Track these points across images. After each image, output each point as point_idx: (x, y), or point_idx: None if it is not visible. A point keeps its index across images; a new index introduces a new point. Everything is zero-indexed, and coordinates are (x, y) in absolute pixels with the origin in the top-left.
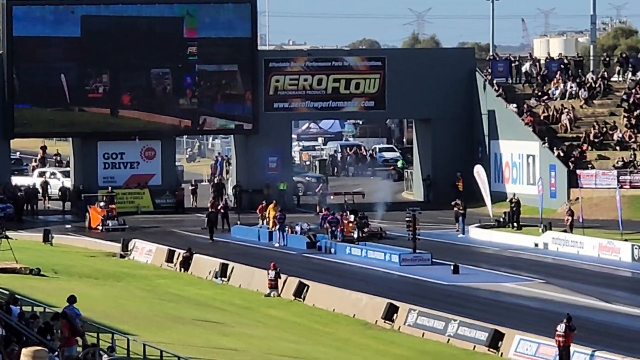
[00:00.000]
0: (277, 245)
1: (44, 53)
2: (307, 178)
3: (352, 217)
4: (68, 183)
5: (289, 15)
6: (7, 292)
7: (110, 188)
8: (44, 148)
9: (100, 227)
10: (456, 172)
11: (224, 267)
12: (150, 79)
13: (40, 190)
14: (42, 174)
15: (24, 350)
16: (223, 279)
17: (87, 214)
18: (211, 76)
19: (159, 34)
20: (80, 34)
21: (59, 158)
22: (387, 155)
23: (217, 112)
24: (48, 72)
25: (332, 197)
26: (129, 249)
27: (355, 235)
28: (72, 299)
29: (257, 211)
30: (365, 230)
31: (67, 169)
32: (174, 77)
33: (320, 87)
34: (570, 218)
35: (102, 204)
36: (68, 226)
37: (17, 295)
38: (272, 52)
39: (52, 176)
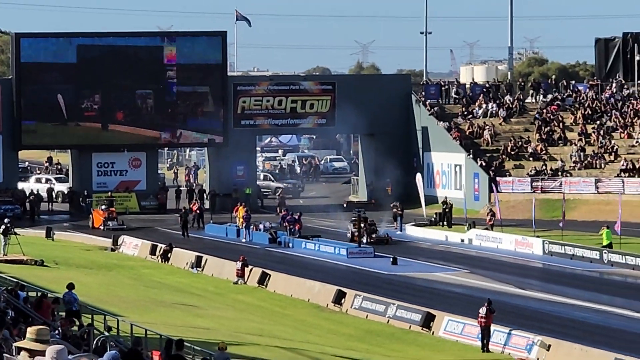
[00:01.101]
0: (243, 240)
1: (45, 77)
2: (285, 183)
3: (361, 224)
4: (62, 188)
5: (254, 46)
6: (15, 280)
7: (110, 193)
8: (49, 159)
9: (102, 227)
10: (395, 179)
11: (198, 259)
12: (135, 98)
13: (44, 195)
14: (38, 180)
15: (29, 329)
16: (198, 269)
17: (90, 216)
18: (187, 96)
19: (143, 60)
20: (76, 60)
21: (59, 167)
22: (337, 164)
23: (191, 126)
24: (48, 92)
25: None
26: (118, 244)
27: (365, 241)
28: (70, 286)
29: (234, 211)
30: (374, 236)
31: (61, 175)
32: (155, 97)
33: (280, 107)
34: (492, 218)
35: (103, 207)
36: (66, 224)
37: (23, 283)
38: (240, 77)
39: (48, 182)
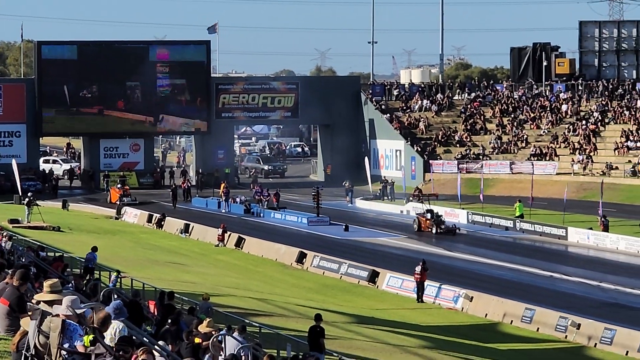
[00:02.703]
0: (223, 211)
1: (55, 72)
2: (267, 166)
3: (428, 215)
4: (67, 167)
5: (233, 53)
6: (37, 242)
7: (122, 173)
8: (68, 144)
9: (118, 202)
10: (347, 162)
11: (186, 226)
12: (125, 89)
13: (61, 174)
14: (46, 162)
15: (45, 283)
16: (186, 234)
17: (108, 192)
18: (172, 89)
19: (134, 57)
20: (77, 57)
21: (73, 151)
22: (300, 149)
23: (171, 112)
24: (57, 84)
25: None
26: (121, 214)
27: (434, 231)
28: (94, 248)
29: (220, 188)
30: (442, 227)
31: (65, 157)
32: (142, 88)
33: (254, 102)
34: (418, 194)
35: (119, 185)
36: (80, 197)
37: (43, 245)
38: (221, 78)
39: (55, 162)
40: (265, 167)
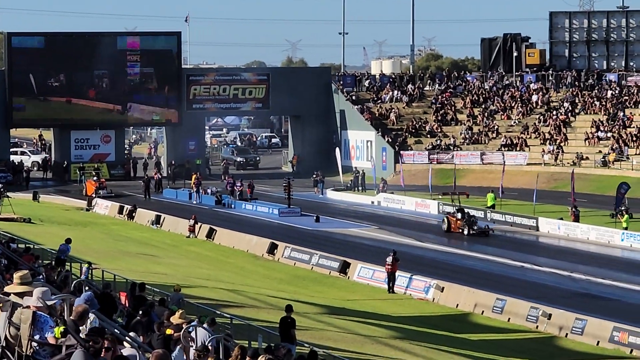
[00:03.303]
0: (194, 202)
1: (24, 62)
2: (240, 158)
3: (459, 215)
4: (37, 159)
5: (204, 44)
6: (7, 234)
7: (96, 165)
8: (40, 136)
9: (94, 195)
10: (317, 152)
11: (158, 217)
12: (93, 78)
13: (30, 165)
14: (14, 153)
15: (15, 275)
16: (157, 225)
17: (84, 185)
18: (140, 77)
19: (104, 46)
20: (44, 45)
21: (43, 142)
22: (271, 140)
23: (139, 100)
24: (26, 74)
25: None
26: (92, 205)
27: (465, 232)
28: (68, 240)
29: (191, 179)
30: (475, 228)
31: (34, 149)
32: (110, 77)
33: (225, 93)
34: (384, 185)
35: (95, 177)
36: (50, 189)
37: (14, 236)
38: (192, 70)
39: (24, 154)
40: (238, 159)
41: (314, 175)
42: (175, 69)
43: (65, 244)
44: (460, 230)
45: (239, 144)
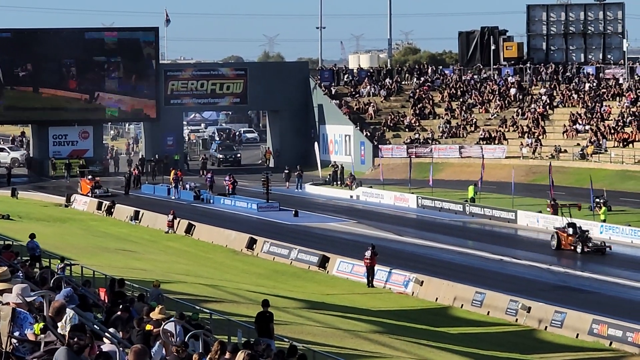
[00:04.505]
0: (173, 197)
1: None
2: (221, 154)
3: (570, 230)
4: (16, 155)
5: (181, 39)
6: None
7: (82, 162)
8: (23, 133)
9: (90, 194)
10: (296, 147)
11: (136, 213)
12: (61, 67)
13: (9, 162)
14: None
15: None
16: (136, 221)
17: (79, 184)
18: (107, 66)
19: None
20: (10, 35)
21: (22, 139)
22: (249, 135)
23: (107, 89)
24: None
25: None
26: (71, 201)
27: (579, 250)
28: (32, 236)
29: (170, 174)
30: (590, 245)
31: (14, 145)
32: (77, 67)
33: (203, 88)
34: (352, 180)
35: (89, 177)
36: (28, 185)
37: None
38: (169, 65)
39: (3, 150)
40: (220, 156)
41: (286, 170)
42: (153, 65)
43: (32, 240)
44: (573, 248)
45: (217, 139)
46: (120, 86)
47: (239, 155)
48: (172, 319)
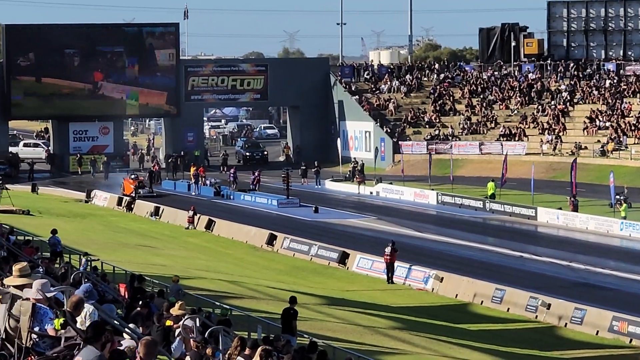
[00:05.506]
0: (193, 193)
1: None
2: (250, 152)
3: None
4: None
5: (202, 35)
6: (6, 226)
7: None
8: (46, 129)
9: (134, 194)
10: (316, 143)
11: (156, 208)
12: (64, 57)
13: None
14: (27, 145)
15: (14, 267)
16: (156, 217)
17: (122, 184)
18: (110, 56)
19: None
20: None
21: (44, 134)
22: (269, 131)
23: (111, 80)
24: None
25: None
26: (91, 197)
27: None
28: (54, 231)
29: (199, 170)
30: None
31: (45, 141)
32: (81, 56)
33: (223, 84)
34: (361, 178)
35: (132, 176)
36: (47, 181)
37: (13, 228)
38: (190, 61)
39: (37, 146)
40: (247, 153)
41: (302, 166)
42: (174, 60)
43: (54, 236)
44: None
45: (242, 136)
46: (123, 76)
47: (265, 152)
48: (192, 315)
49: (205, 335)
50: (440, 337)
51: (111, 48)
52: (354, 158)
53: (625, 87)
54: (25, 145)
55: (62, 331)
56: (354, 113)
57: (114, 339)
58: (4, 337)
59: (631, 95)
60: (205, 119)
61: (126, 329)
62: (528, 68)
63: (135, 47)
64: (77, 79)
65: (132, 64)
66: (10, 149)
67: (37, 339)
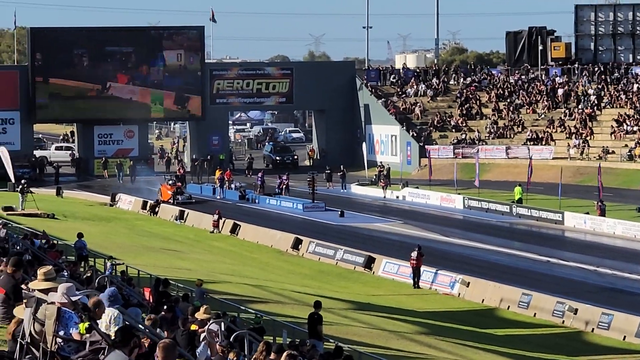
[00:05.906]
0: (218, 197)
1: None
2: (277, 157)
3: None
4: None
5: (227, 38)
6: (30, 230)
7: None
8: (72, 132)
9: (172, 201)
10: (342, 147)
11: (181, 212)
12: (73, 56)
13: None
14: (59, 148)
15: (39, 271)
16: (181, 220)
17: (159, 190)
18: (120, 56)
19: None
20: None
21: (68, 137)
22: (295, 135)
23: (137, 83)
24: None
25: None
26: (115, 200)
27: None
28: (80, 235)
29: (225, 175)
30: None
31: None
32: (90, 56)
33: (248, 88)
34: (385, 181)
35: (170, 182)
36: (72, 184)
37: (37, 232)
38: (215, 64)
39: (69, 149)
40: (277, 158)
41: (327, 170)
42: (199, 64)
43: (80, 240)
44: None
45: (269, 140)
46: (132, 76)
47: (296, 157)
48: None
49: (231, 340)
50: (467, 343)
51: (133, 50)
52: (380, 162)
53: None
54: (57, 148)
55: (87, 335)
56: (380, 117)
57: (141, 344)
58: (29, 341)
59: None
60: (230, 122)
61: (151, 333)
62: (555, 72)
63: (159, 51)
64: (91, 80)
65: (157, 67)
66: (41, 152)
67: (62, 343)
